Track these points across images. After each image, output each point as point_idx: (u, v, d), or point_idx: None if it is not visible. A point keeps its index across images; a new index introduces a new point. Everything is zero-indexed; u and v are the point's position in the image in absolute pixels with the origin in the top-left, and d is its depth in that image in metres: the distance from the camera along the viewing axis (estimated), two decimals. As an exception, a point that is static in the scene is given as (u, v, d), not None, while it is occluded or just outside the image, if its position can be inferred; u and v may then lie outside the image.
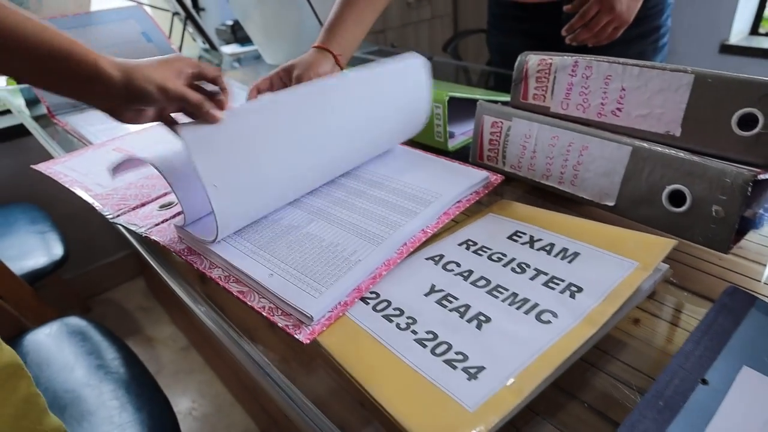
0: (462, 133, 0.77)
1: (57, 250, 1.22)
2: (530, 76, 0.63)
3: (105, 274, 1.81)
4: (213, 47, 1.52)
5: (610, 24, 0.82)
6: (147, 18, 1.21)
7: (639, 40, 0.94)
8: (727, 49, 1.92)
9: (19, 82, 1.20)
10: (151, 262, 0.53)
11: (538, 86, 0.63)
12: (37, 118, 1.06)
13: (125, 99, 0.44)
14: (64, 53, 0.41)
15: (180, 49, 1.42)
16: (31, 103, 1.17)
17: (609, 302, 0.39)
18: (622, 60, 0.56)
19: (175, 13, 1.50)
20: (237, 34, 1.52)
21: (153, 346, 1.57)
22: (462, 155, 0.70)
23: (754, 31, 2.00)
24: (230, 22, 1.55)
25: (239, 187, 0.46)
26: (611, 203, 0.54)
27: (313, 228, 0.50)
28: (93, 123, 0.97)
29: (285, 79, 0.68)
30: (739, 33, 1.95)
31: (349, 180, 0.58)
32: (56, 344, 0.86)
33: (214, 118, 0.46)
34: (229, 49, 1.53)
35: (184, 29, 1.50)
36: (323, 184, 0.57)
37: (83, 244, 1.66)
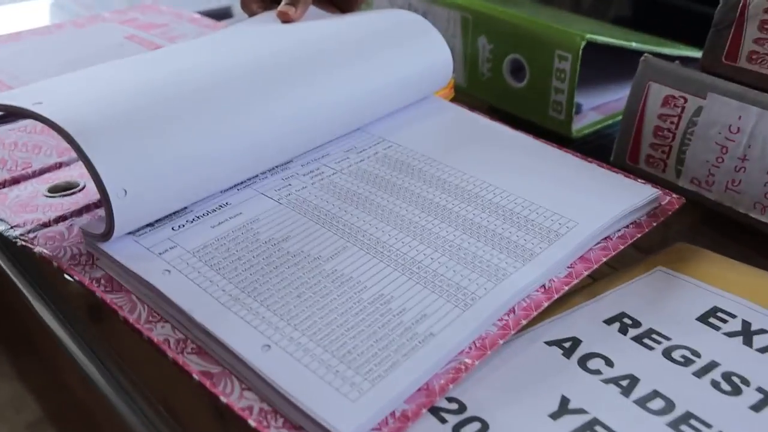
0: (593, 108, 0.55)
1: None
2: (750, 17, 0.40)
3: None
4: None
5: None
6: None
7: None
8: None
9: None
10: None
11: (764, 39, 0.40)
12: None
13: None
14: None
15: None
16: None
17: None
18: None
19: None
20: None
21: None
22: (593, 148, 0.49)
23: None
24: None
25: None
26: None
27: (344, 262, 0.31)
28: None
29: None
30: None
31: (407, 177, 0.38)
32: None
33: None
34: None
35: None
36: (361, 182, 0.38)
37: None
